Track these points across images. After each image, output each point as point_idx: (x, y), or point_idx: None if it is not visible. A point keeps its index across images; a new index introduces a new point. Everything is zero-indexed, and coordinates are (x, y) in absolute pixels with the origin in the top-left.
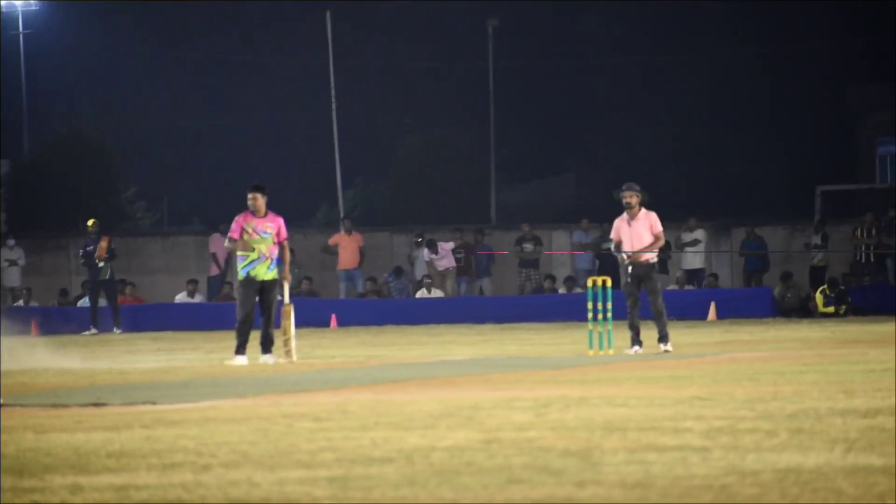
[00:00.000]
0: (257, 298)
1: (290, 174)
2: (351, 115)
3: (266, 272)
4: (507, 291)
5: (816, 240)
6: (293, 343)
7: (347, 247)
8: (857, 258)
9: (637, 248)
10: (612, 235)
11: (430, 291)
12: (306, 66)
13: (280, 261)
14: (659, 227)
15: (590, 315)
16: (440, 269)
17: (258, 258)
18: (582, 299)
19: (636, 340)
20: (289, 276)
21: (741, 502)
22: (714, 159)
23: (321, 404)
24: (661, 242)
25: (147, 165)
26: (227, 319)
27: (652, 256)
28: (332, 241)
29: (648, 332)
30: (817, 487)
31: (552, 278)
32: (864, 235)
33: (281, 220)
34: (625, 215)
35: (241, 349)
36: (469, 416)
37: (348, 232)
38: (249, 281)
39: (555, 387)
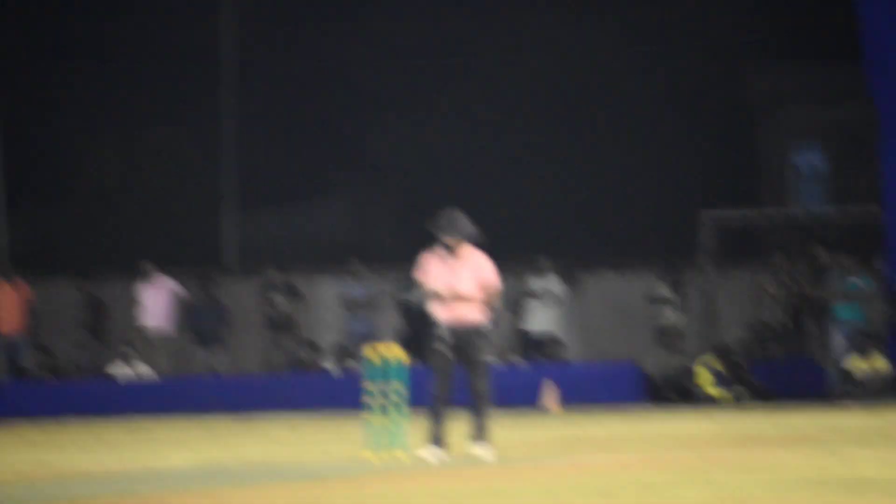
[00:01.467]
0: None
1: None
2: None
3: None
4: (247, 367)
5: (664, 290)
6: None
7: (4, 302)
8: (762, 317)
9: (461, 299)
10: (424, 277)
11: (131, 366)
12: None
13: None
14: (492, 276)
15: (369, 401)
16: (148, 327)
17: None
18: (358, 378)
19: (439, 440)
20: None
21: None
22: (547, 179)
23: None
24: (496, 300)
25: None
26: None
27: (479, 316)
28: None
29: (459, 427)
30: None
31: (314, 346)
32: (773, 286)
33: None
34: (442, 252)
35: None
36: None
37: (6, 280)
38: None
39: None
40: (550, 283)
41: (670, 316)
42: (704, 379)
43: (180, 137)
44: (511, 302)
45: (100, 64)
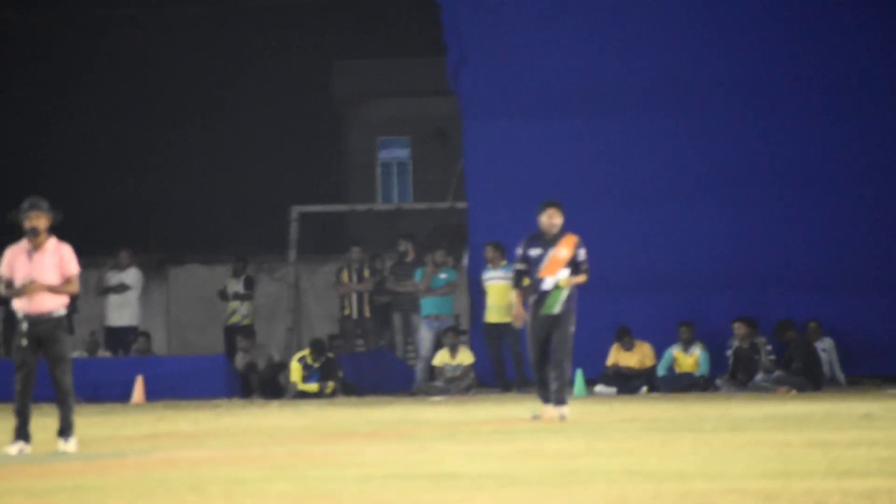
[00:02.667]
0: None
1: None
2: None
3: None
4: None
5: (237, 286)
6: None
7: None
8: (346, 311)
9: (41, 291)
10: (1, 270)
11: None
12: None
13: None
14: (74, 267)
15: None
16: None
17: None
18: None
19: (22, 433)
20: None
21: None
22: (135, 165)
23: None
24: (75, 289)
25: None
26: None
27: (59, 307)
28: None
29: (43, 421)
30: None
31: None
32: (354, 277)
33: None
34: (25, 244)
35: None
36: None
37: None
38: None
39: None
40: (129, 277)
41: (244, 310)
42: (296, 372)
43: None
44: (95, 295)
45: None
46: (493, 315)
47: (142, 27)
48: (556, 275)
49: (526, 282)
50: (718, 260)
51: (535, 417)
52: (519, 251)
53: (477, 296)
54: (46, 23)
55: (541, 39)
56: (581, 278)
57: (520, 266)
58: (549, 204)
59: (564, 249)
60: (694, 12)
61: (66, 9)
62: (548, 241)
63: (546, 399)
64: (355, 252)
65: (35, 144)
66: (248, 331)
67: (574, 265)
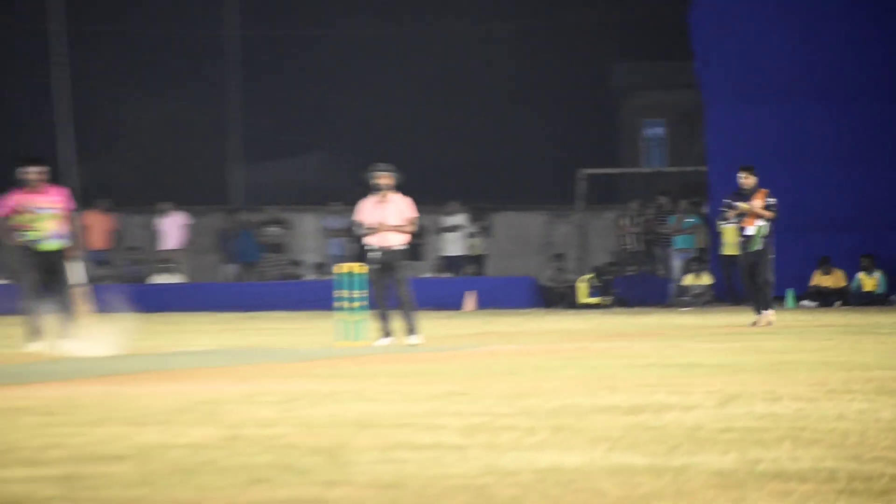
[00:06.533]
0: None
1: (4, 152)
2: (74, 86)
3: (50, 246)
4: (250, 277)
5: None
6: (93, 329)
7: (98, 227)
8: (622, 247)
9: (388, 231)
10: (358, 217)
11: (168, 276)
12: (25, 32)
13: (70, 236)
14: (411, 213)
15: (339, 304)
16: (170, 247)
17: (41, 235)
18: (331, 287)
19: (386, 331)
20: (80, 251)
21: (499, 503)
22: (473, 140)
23: (47, 398)
24: (413, 228)
25: None
26: None
27: (401, 242)
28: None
29: (401, 323)
30: (579, 488)
31: (298, 264)
32: (630, 224)
33: (66, 191)
34: (375, 197)
35: (33, 335)
36: (209, 412)
37: (102, 212)
38: (31, 255)
39: (302, 380)
40: (459, 220)
41: (559, 244)
42: (582, 290)
43: (201, 109)
44: (432, 233)
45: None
46: (726, 249)
47: (492, 41)
48: (755, 223)
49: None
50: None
51: (753, 324)
52: (725, 201)
53: (714, 235)
54: None
55: (767, 43)
56: (769, 214)
57: (724, 208)
58: (744, 168)
59: (758, 201)
60: None
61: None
62: (745, 195)
63: (758, 309)
64: (635, 203)
65: (397, 122)
66: (556, 258)
67: (766, 209)
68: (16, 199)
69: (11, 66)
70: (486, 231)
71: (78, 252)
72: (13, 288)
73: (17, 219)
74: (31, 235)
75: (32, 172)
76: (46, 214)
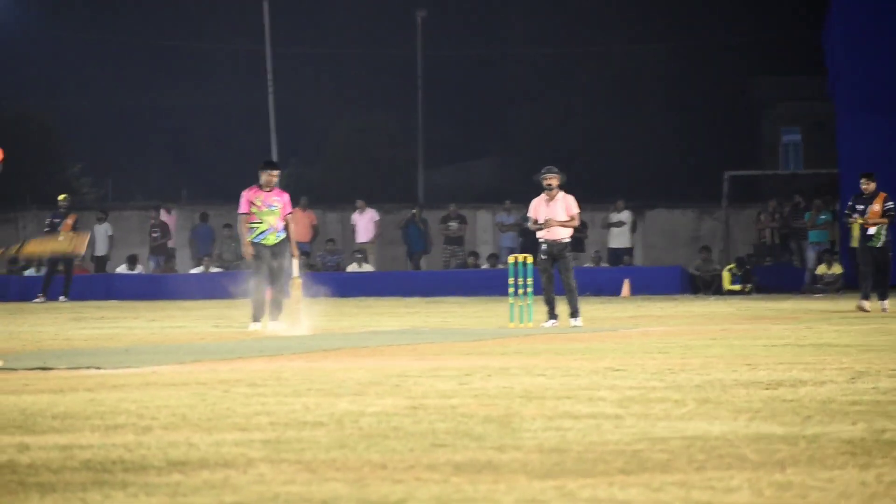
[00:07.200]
0: (267, 267)
1: (227, 154)
2: (286, 99)
3: (275, 239)
4: (433, 267)
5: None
6: (302, 314)
7: (300, 222)
8: (762, 240)
9: (555, 226)
10: (530, 213)
11: (360, 265)
12: (244, 51)
13: (286, 233)
14: (575, 209)
15: (511, 290)
16: (362, 240)
17: (267, 229)
18: (504, 275)
19: (552, 314)
20: (296, 250)
21: (651, 467)
22: (628, 146)
23: (256, 371)
24: (576, 223)
25: (91, 144)
26: (167, 290)
27: (566, 236)
28: None
29: (565, 307)
30: (722, 454)
31: (475, 255)
32: (769, 219)
33: (287, 196)
34: (544, 196)
35: (257, 316)
36: (396, 384)
37: (303, 209)
38: (260, 249)
39: (477, 357)
40: (623, 217)
41: (706, 237)
42: (726, 279)
43: (391, 119)
44: (599, 228)
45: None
46: (854, 242)
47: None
48: (876, 223)
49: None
50: None
51: (883, 310)
52: (850, 203)
53: (844, 230)
54: None
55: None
56: (884, 221)
57: (848, 211)
58: (864, 175)
59: (878, 204)
60: None
61: None
62: (867, 198)
63: (881, 297)
64: (773, 202)
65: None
66: (704, 250)
67: (884, 212)
68: (252, 195)
69: (231, 82)
70: (637, 226)
71: (293, 245)
72: (233, 275)
73: (253, 210)
74: (259, 229)
75: (272, 174)
76: (274, 211)
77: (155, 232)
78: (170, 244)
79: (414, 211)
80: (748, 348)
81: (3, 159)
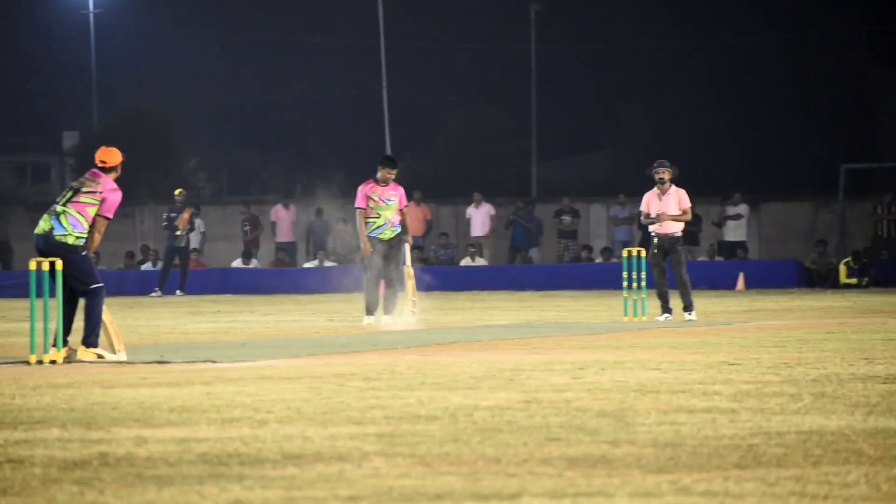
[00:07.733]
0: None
1: (340, 148)
2: (399, 93)
3: (391, 234)
4: (546, 261)
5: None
6: (416, 305)
7: (414, 216)
8: (878, 233)
9: (667, 220)
10: (642, 207)
11: (473, 259)
12: (357, 46)
13: (401, 226)
14: (687, 203)
15: (625, 284)
16: (478, 234)
17: (384, 224)
18: (618, 269)
19: (666, 308)
20: (411, 241)
21: (766, 462)
22: (743, 139)
23: (370, 365)
24: (688, 217)
25: (207, 138)
26: (281, 284)
27: (678, 230)
28: None
29: (679, 301)
30: (839, 448)
31: (589, 249)
32: (885, 212)
33: (402, 190)
34: (656, 190)
35: (371, 310)
36: (510, 378)
37: (417, 203)
38: (376, 243)
39: (591, 351)
40: (741, 210)
41: (821, 230)
42: (842, 272)
43: (504, 113)
44: (716, 221)
45: None
46: None
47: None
48: None
49: None
50: None
51: None
52: None
53: None
54: None
55: None
56: None
57: None
58: None
59: None
60: None
61: None
62: None
63: None
64: (888, 195)
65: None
66: (820, 243)
67: None
68: (369, 189)
69: (345, 77)
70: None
71: (409, 240)
72: (348, 269)
73: (370, 205)
74: (376, 223)
75: (391, 173)
76: (391, 206)
77: (245, 226)
78: (282, 238)
79: (519, 206)
80: (865, 342)
81: (122, 161)
